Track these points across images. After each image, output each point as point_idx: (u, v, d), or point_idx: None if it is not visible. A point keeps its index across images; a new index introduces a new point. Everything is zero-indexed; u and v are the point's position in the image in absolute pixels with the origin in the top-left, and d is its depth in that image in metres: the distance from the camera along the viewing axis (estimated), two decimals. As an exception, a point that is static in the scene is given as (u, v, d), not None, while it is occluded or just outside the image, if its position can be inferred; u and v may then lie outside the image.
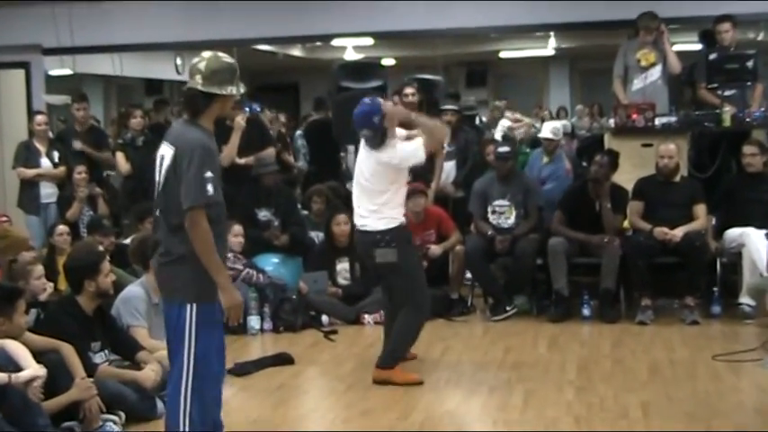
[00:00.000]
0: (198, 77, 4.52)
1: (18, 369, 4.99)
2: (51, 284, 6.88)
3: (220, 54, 4.65)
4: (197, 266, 4.45)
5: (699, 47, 9.73)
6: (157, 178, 4.63)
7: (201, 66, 4.54)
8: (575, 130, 15.00)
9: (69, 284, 6.11)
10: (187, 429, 4.46)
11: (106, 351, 5.97)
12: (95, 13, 11.39)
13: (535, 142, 11.48)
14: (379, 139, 6.41)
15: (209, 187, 4.41)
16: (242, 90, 4.67)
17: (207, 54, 4.61)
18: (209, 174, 4.42)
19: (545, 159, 9.89)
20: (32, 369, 5.06)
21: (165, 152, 4.57)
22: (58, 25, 11.34)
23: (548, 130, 10.11)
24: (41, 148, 10.06)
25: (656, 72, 9.25)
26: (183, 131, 4.59)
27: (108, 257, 6.22)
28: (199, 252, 4.43)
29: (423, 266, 7.07)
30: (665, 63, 9.22)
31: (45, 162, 10.04)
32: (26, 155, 9.98)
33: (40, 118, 10.24)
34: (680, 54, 9.46)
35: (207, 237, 4.41)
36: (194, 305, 4.49)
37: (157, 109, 13.13)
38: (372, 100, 6.57)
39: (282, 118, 13.61)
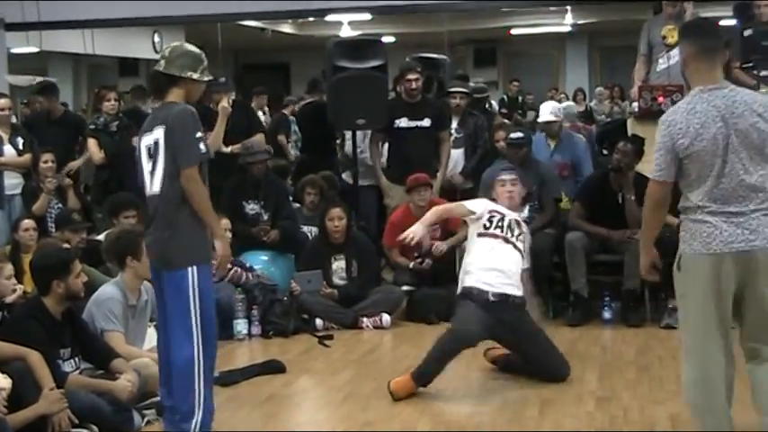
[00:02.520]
0: (162, 62, 5.41)
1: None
2: (21, 286, 6.89)
3: (190, 45, 5.59)
4: (193, 232, 5.30)
5: (733, 22, 9.70)
6: (146, 166, 5.41)
7: (167, 51, 5.49)
8: (593, 115, 15.01)
9: (36, 285, 6.10)
10: (198, 387, 5.23)
11: (77, 359, 5.97)
12: (64, -16, 11.38)
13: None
14: None
15: (201, 146, 5.28)
16: (204, 78, 5.48)
17: (176, 43, 5.64)
18: (199, 134, 5.28)
19: (551, 144, 9.83)
20: None
21: (158, 134, 5.31)
22: (22, -2, 11.36)
23: (547, 111, 10.04)
24: (3, 134, 10.03)
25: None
26: (168, 109, 5.38)
27: (79, 255, 6.21)
28: (197, 206, 5.26)
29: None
30: None
31: (8, 149, 10.01)
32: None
33: (2, 101, 10.21)
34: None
35: (203, 190, 5.29)
36: (195, 267, 5.27)
37: (135, 96, 13.13)
38: None
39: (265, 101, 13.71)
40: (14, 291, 6.53)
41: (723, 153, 4.68)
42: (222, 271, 5.76)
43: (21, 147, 10.05)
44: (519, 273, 6.73)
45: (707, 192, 4.75)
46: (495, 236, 6.74)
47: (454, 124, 9.87)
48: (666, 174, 4.83)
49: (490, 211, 6.82)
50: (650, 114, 8.91)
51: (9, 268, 6.59)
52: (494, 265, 6.65)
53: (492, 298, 6.51)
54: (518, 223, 6.91)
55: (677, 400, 6.05)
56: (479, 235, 6.78)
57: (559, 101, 14.57)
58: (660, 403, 6.05)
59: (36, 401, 5.30)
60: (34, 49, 12.62)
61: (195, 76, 5.42)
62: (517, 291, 6.63)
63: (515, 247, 6.77)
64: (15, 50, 12.16)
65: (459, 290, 6.73)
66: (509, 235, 6.75)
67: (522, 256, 6.84)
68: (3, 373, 5.13)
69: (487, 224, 6.76)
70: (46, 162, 9.60)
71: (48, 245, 7.16)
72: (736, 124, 4.66)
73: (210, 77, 5.58)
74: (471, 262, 6.74)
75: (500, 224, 6.77)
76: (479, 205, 6.95)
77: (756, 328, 4.86)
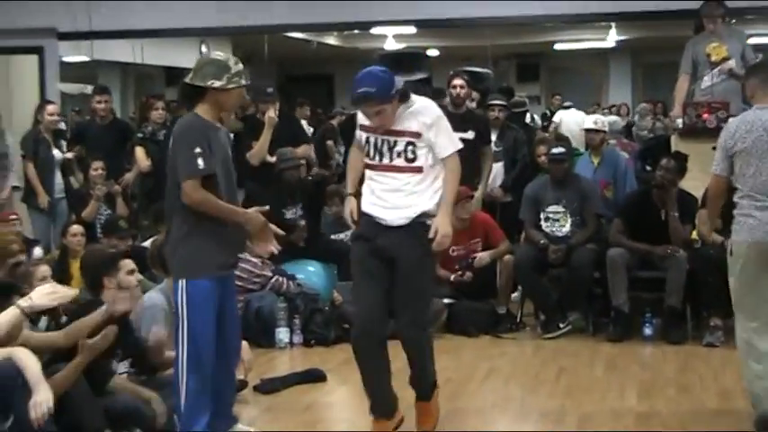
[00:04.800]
0: (191, 73, 5.25)
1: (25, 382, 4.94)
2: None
3: (218, 54, 5.43)
4: (188, 245, 5.19)
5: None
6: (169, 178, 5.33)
7: (196, 62, 5.31)
8: (636, 131, 14.92)
9: (88, 286, 6.11)
10: (183, 402, 5.23)
11: (126, 363, 5.98)
12: (115, -6, 11.46)
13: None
14: None
15: (200, 161, 5.06)
16: (231, 85, 5.23)
17: (206, 54, 5.57)
18: (197, 149, 5.06)
19: (595, 161, 9.69)
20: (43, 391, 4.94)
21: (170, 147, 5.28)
22: (74, 8, 11.44)
23: (590, 120, 9.98)
24: (50, 138, 10.11)
25: (728, 67, 9.15)
26: (179, 122, 5.41)
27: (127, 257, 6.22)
28: (209, 213, 5.13)
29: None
30: (743, 57, 9.12)
31: (57, 154, 10.11)
32: (34, 146, 10.02)
33: (51, 108, 10.30)
34: (756, 47, 9.37)
35: (207, 198, 5.10)
36: (184, 281, 5.21)
37: (181, 105, 13.19)
38: None
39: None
40: None
41: (760, 155, 5.55)
42: (264, 246, 5.51)
43: (64, 149, 10.15)
44: None
45: (750, 185, 5.60)
46: None
47: (493, 137, 9.83)
48: (720, 168, 5.73)
49: None
50: (695, 131, 8.89)
51: (43, 269, 6.59)
52: None
53: None
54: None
55: (720, 420, 6.02)
56: None
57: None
58: (701, 422, 5.97)
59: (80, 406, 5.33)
60: (85, 59, 12.71)
61: (217, 84, 5.23)
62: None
63: None
64: (67, 59, 12.24)
65: None
66: None
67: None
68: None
69: None
70: (96, 170, 9.67)
71: (91, 252, 7.18)
72: None
73: (242, 83, 5.34)
74: None
75: None
76: None
77: None
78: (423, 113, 5.31)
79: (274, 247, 5.47)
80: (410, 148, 5.27)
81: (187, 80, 5.28)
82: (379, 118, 5.23)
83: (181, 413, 5.32)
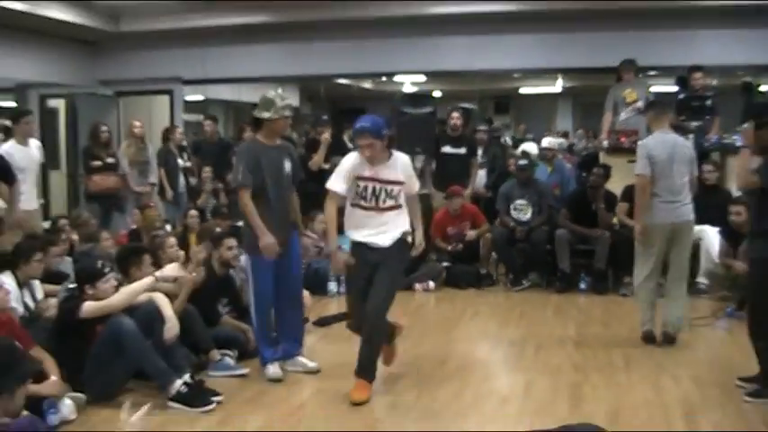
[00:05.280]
0: (256, 108, 5.21)
1: (162, 317, 4.96)
2: (183, 253, 6.96)
3: (270, 92, 5.23)
4: (245, 231, 5.20)
5: (675, 88, 9.58)
6: None
7: (258, 101, 5.21)
8: (576, 149, 14.82)
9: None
10: (255, 324, 5.34)
11: (229, 307, 6.05)
12: (222, 52, 11.49)
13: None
14: None
15: (239, 176, 5.09)
16: (276, 116, 5.12)
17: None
18: (241, 167, 5.09)
19: (549, 169, 9.63)
20: (172, 269, 5.16)
21: None
22: (194, 62, 11.50)
23: (546, 141, 9.96)
24: (176, 152, 10.17)
25: (637, 106, 9.11)
26: (240, 144, 5.37)
27: (228, 236, 6.25)
28: (245, 216, 5.13)
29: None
30: (646, 100, 9.09)
31: (180, 162, 10.18)
32: (165, 157, 10.06)
33: (177, 131, 10.37)
34: (658, 94, 9.34)
35: (246, 205, 5.08)
36: (247, 256, 5.31)
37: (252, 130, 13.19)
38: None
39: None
40: (178, 258, 6.59)
41: (670, 163, 5.78)
42: (270, 256, 5.14)
43: (186, 159, 10.20)
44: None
45: (662, 186, 5.78)
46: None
47: (480, 152, 9.81)
48: (643, 170, 5.79)
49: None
50: (616, 150, 8.84)
51: (172, 240, 6.66)
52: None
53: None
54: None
55: (628, 345, 6.02)
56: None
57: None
58: (617, 347, 5.99)
59: (199, 334, 5.39)
60: (200, 97, 12.76)
61: (266, 115, 5.15)
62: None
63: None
64: (188, 98, 12.30)
65: None
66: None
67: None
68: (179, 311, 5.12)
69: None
70: (206, 173, 9.72)
71: (207, 227, 7.24)
72: (675, 150, 5.84)
73: (285, 114, 5.17)
74: None
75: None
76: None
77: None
78: (404, 167, 4.99)
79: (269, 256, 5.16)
80: (398, 192, 4.94)
81: (254, 113, 5.22)
82: (370, 150, 4.80)
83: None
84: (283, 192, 5.28)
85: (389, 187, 4.93)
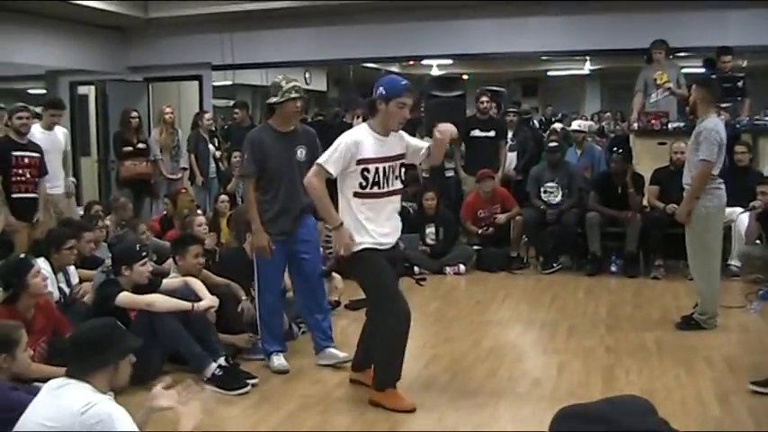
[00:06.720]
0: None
1: (198, 299, 5.04)
2: (214, 234, 7.03)
3: (279, 77, 5.10)
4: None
5: (702, 70, 9.48)
6: None
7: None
8: (605, 131, 14.71)
9: (234, 236, 6.22)
10: (258, 313, 5.22)
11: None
12: (250, 38, 11.49)
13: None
14: None
15: (245, 164, 5.04)
16: (283, 99, 4.97)
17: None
18: (246, 156, 5.03)
19: (578, 152, 9.60)
20: (209, 299, 5.07)
21: None
22: (222, 48, 11.52)
23: (575, 124, 9.91)
24: (207, 137, 10.22)
25: (668, 87, 9.02)
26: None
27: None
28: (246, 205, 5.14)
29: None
30: (677, 81, 9.01)
31: (211, 148, 10.23)
32: (195, 143, 10.09)
33: (207, 116, 10.40)
34: (688, 75, 9.24)
35: (247, 193, 5.07)
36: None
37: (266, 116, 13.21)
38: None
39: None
40: (206, 238, 6.63)
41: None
42: (260, 256, 5.06)
43: (217, 144, 10.26)
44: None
45: (715, 171, 5.73)
46: None
47: (510, 135, 9.78)
48: (713, 156, 5.63)
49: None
50: (645, 132, 8.77)
51: (200, 219, 6.73)
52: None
53: None
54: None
55: (659, 328, 6.01)
56: None
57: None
58: (649, 330, 5.97)
59: (232, 315, 5.44)
60: (229, 82, 12.77)
61: (274, 99, 4.99)
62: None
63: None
64: (216, 83, 12.33)
65: None
66: None
67: None
68: (213, 295, 5.19)
69: None
70: (236, 158, 9.68)
71: (238, 212, 7.29)
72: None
73: (292, 96, 4.95)
74: None
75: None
76: None
77: None
78: (401, 134, 4.41)
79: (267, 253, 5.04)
80: (401, 167, 4.36)
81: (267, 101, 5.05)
82: (408, 110, 4.27)
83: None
84: (293, 178, 4.99)
85: (396, 164, 4.33)
